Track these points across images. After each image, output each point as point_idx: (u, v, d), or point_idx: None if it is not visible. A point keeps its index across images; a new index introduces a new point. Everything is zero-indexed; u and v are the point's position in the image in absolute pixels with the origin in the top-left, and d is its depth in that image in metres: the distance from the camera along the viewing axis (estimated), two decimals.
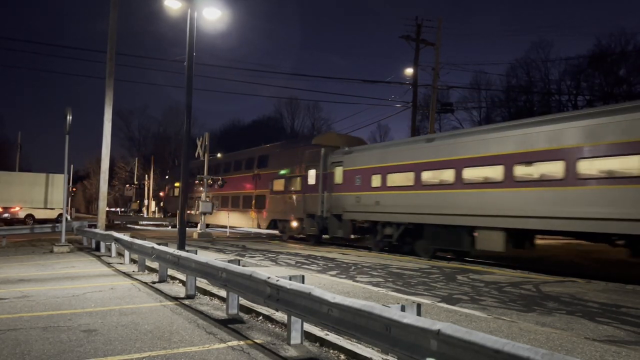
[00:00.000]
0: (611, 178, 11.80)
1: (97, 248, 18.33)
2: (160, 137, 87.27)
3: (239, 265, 7.84)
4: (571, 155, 12.67)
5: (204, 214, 26.62)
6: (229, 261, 8.09)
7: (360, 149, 21.04)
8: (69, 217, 27.09)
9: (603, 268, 13.84)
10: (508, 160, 14.14)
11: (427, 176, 16.82)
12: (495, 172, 14.53)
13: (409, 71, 30.08)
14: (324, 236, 22.57)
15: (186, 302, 8.93)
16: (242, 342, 6.33)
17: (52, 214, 32.21)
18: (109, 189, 33.79)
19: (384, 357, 5.44)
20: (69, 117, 18.28)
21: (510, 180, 14.05)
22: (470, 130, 19.85)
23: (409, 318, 4.22)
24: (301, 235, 23.20)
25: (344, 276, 11.55)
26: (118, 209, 61.50)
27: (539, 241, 15.99)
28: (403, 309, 4.70)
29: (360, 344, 5.74)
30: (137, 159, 68.60)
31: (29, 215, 33.21)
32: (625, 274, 12.91)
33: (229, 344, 6.25)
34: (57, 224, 22.90)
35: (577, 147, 12.59)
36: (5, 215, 33.17)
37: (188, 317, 7.72)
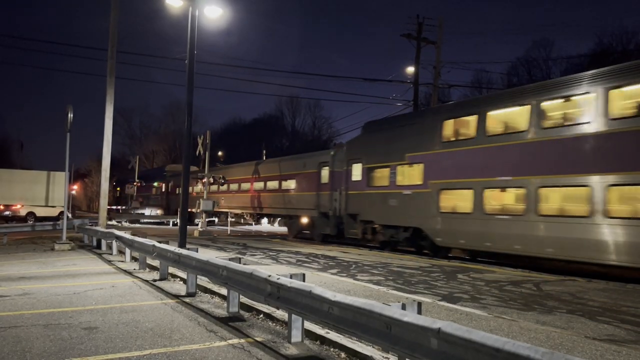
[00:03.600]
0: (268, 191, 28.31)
1: (98, 246, 18.35)
2: (161, 135, 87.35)
3: (239, 263, 7.86)
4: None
5: (205, 212, 26.64)
6: (230, 259, 8.11)
7: (174, 174, 42.90)
8: (69, 215, 27.12)
9: (603, 267, 13.83)
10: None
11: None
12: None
13: (410, 70, 30.04)
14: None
15: (187, 300, 8.94)
16: (242, 340, 6.34)
17: (54, 212, 32.22)
18: (110, 187, 34.03)
19: (384, 355, 5.45)
20: (70, 115, 18.28)
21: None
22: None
23: (410, 316, 4.23)
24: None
25: (344, 274, 11.56)
26: (119, 207, 61.53)
27: None
28: (404, 307, 4.71)
29: (360, 342, 5.74)
30: (137, 156, 68.62)
31: (30, 213, 33.22)
32: (626, 273, 12.90)
33: (230, 341, 6.26)
34: (58, 222, 22.94)
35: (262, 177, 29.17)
36: (7, 213, 33.19)
37: (189, 315, 7.73)
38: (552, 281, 11.18)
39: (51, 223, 24.56)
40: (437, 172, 16.21)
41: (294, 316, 6.16)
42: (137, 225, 36.79)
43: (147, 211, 44.39)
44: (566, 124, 13.00)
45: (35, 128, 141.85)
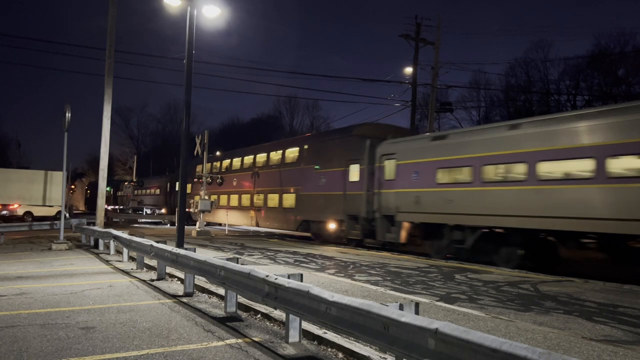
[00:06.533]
0: None
1: (96, 245, 18.32)
2: (159, 135, 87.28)
3: (237, 263, 7.85)
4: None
5: (203, 212, 26.62)
6: (228, 259, 8.10)
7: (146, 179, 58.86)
8: (67, 215, 27.06)
9: (601, 268, 13.85)
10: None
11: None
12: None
13: (409, 70, 30.08)
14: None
15: (184, 300, 8.93)
16: (240, 340, 6.34)
17: (51, 211, 32.13)
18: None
19: (382, 355, 5.45)
20: (68, 114, 18.19)
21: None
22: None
23: (407, 317, 4.23)
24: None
25: (342, 275, 11.56)
26: (117, 207, 61.53)
27: None
28: (401, 307, 4.72)
29: (358, 342, 5.75)
30: (135, 156, 68.55)
31: (28, 213, 33.09)
32: (623, 274, 12.93)
33: (227, 341, 6.26)
34: (56, 222, 22.88)
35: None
36: (4, 212, 33.05)
37: (186, 315, 7.72)
38: (550, 282, 11.20)
39: (48, 222, 24.49)
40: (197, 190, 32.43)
41: (291, 316, 6.16)
42: (135, 225, 36.75)
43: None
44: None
45: (33, 127, 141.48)
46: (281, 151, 26.50)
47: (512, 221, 13.68)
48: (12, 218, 32.17)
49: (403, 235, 17.56)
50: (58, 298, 8.81)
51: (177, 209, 16.54)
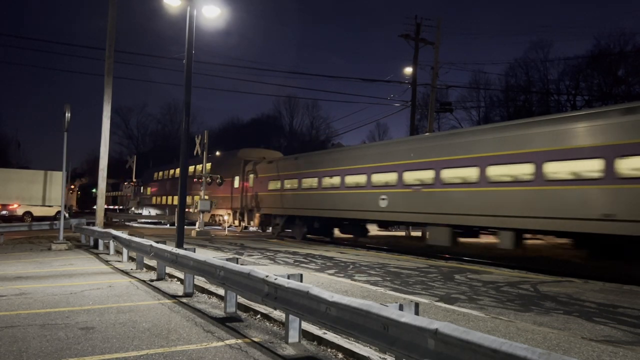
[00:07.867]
0: None
1: (96, 246, 18.31)
2: (159, 135, 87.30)
3: (237, 263, 7.85)
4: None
5: (203, 212, 26.62)
6: (227, 259, 8.09)
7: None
8: (66, 215, 27.01)
9: (600, 268, 13.86)
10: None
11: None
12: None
13: (408, 70, 30.09)
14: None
15: (184, 300, 8.93)
16: (240, 341, 6.34)
17: (51, 211, 32.11)
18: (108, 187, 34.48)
19: (381, 356, 5.45)
20: (68, 115, 18.17)
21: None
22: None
23: (407, 317, 4.23)
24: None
25: (342, 275, 11.56)
26: (116, 207, 61.52)
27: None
28: (401, 308, 4.71)
29: (358, 342, 5.74)
30: (135, 156, 68.53)
31: (27, 213, 33.06)
32: (623, 274, 12.93)
33: (227, 342, 6.26)
34: (55, 222, 22.86)
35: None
36: (4, 212, 33.01)
37: (186, 315, 7.72)
38: (549, 282, 11.20)
39: (48, 223, 24.47)
40: (157, 190, 45.04)
41: (291, 317, 6.16)
42: (134, 225, 36.75)
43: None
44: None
45: (33, 127, 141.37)
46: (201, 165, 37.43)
47: (299, 211, 23.39)
48: (11, 218, 32.15)
49: (257, 221, 27.60)
50: (57, 298, 8.81)
51: (176, 210, 16.56)
